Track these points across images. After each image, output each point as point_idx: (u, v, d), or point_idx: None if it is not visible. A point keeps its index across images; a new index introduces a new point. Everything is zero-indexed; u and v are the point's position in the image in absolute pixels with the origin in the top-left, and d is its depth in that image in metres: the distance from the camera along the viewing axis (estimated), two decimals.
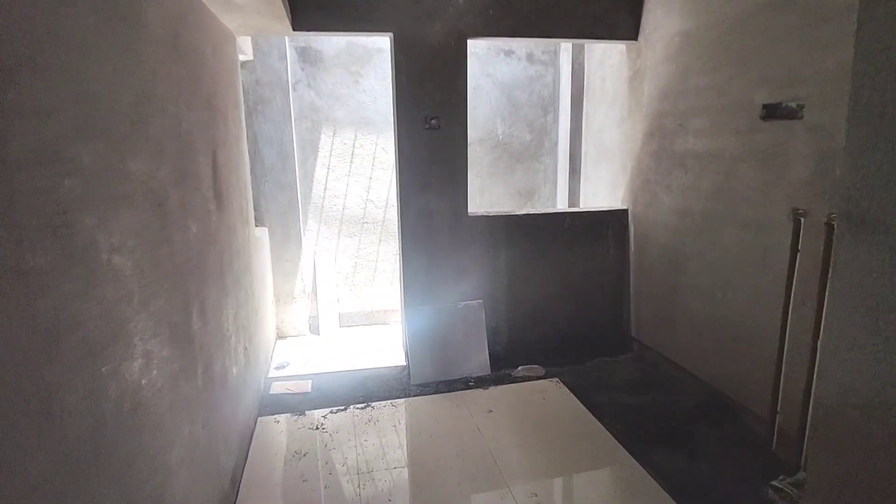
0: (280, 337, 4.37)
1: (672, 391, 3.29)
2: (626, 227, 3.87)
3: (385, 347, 4.19)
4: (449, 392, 3.40)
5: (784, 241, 2.52)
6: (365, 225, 4.52)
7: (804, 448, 2.48)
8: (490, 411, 3.13)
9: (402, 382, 3.56)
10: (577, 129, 4.50)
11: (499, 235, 3.70)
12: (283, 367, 3.80)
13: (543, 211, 3.78)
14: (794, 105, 2.46)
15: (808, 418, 2.45)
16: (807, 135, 2.38)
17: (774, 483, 2.30)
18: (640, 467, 2.54)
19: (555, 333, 3.92)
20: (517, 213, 3.73)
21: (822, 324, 2.32)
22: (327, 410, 3.18)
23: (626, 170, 3.84)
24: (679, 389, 3.30)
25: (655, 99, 3.45)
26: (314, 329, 4.53)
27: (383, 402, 3.27)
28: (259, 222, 4.14)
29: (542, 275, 3.81)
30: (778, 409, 2.64)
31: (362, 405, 3.23)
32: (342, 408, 3.20)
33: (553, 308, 3.88)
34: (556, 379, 3.53)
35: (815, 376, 2.40)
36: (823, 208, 2.32)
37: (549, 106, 4.74)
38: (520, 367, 3.68)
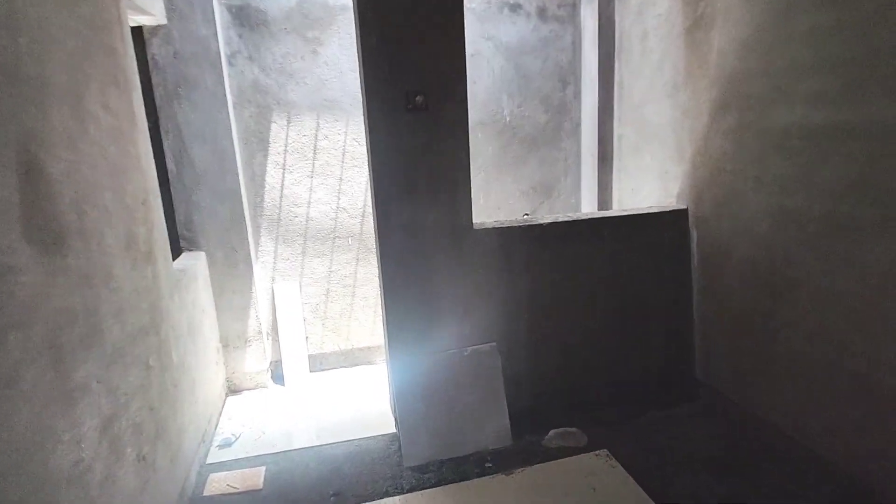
0: (232, 392, 3.35)
1: (780, 473, 2.30)
2: (687, 234, 2.86)
3: (369, 399, 3.18)
4: (458, 481, 2.40)
5: None
6: (337, 241, 3.49)
7: None
8: None
9: (391, 465, 2.56)
10: (608, 105, 3.46)
11: (515, 254, 2.68)
12: (229, 444, 2.79)
13: (574, 217, 2.76)
14: None
15: None
16: None
17: None
18: None
19: (594, 380, 2.92)
20: (539, 221, 2.71)
21: None
22: None
23: (685, 156, 2.82)
24: (789, 469, 2.31)
25: (732, 55, 2.42)
26: (278, 377, 3.51)
27: None
28: (192, 245, 3.10)
29: (573, 305, 2.81)
30: None
31: None
32: None
33: (590, 347, 2.87)
34: (605, 452, 2.54)
35: None
36: None
37: (568, 76, 3.69)
38: (551, 433, 2.68)
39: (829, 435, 2.15)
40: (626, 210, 2.89)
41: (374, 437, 2.81)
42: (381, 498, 2.32)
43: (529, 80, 3.65)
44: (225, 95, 3.00)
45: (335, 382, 3.48)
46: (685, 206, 2.85)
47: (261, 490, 2.43)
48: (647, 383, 2.98)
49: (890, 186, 1.80)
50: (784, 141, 2.20)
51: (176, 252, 3.07)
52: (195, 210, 3.06)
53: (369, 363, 3.71)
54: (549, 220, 2.71)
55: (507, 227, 2.65)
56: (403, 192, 2.46)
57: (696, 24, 2.66)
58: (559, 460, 2.50)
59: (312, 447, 2.75)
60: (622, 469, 2.40)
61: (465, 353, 2.69)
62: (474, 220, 2.64)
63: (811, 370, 2.20)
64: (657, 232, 2.84)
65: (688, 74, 2.73)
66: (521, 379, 2.81)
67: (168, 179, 2.99)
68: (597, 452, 2.54)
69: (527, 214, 3.83)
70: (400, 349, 2.62)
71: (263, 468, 2.57)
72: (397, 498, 2.31)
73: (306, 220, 3.40)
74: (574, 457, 2.52)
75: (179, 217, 3.05)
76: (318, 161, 3.35)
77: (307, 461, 2.63)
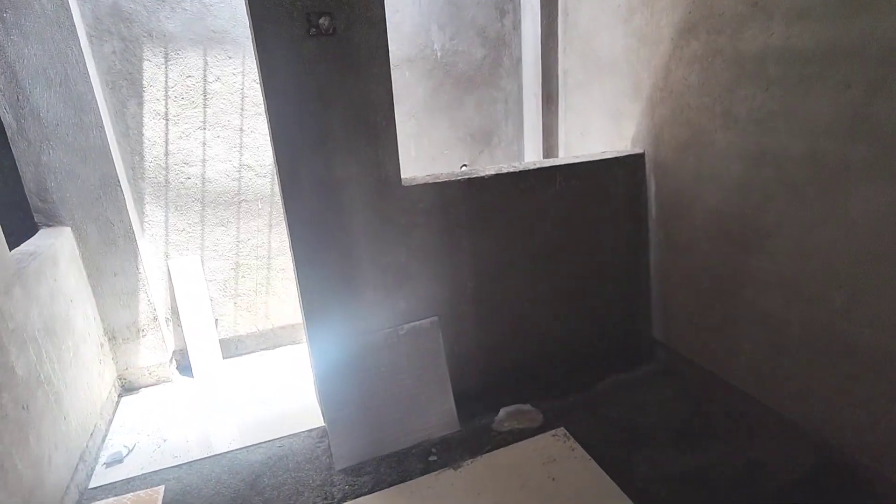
0: (128, 391, 2.82)
1: (745, 441, 2.12)
2: (643, 182, 2.55)
3: (295, 386, 2.76)
4: (398, 483, 2.06)
5: None
6: (244, 205, 2.94)
7: None
8: None
9: (319, 469, 2.18)
10: (551, 36, 3.03)
11: (454, 213, 2.27)
12: (120, 459, 2.30)
13: (520, 168, 2.36)
14: None
15: None
16: None
17: None
18: None
19: (547, 349, 2.62)
20: (481, 174, 2.30)
21: None
22: None
23: (641, 92, 2.46)
24: (755, 438, 2.13)
25: None
26: (185, 368, 3.00)
27: None
28: (51, 219, 2.47)
29: (524, 267, 2.46)
30: None
31: None
32: None
33: (543, 313, 2.56)
34: (563, 431, 2.27)
35: None
36: None
37: (506, 3, 3.21)
38: (502, 413, 2.38)
39: (803, 400, 1.96)
40: (576, 157, 2.52)
41: (300, 433, 2.41)
42: None
43: (462, 9, 3.13)
44: (73, 23, 2.31)
45: (254, 369, 3.02)
46: (642, 151, 2.52)
47: None
48: (603, 347, 2.73)
49: (887, 119, 1.51)
50: (760, 68, 1.87)
51: (31, 230, 2.43)
52: (49, 174, 2.41)
53: (294, 343, 3.26)
54: (492, 173, 2.30)
55: (444, 182, 2.21)
56: (313, 143, 1.96)
57: None
58: (512, 446, 2.21)
59: (226, 454, 2.31)
60: (582, 450, 2.14)
61: (402, 332, 2.30)
62: (405, 175, 2.19)
63: (783, 329, 1.98)
64: (611, 181, 2.50)
65: None
66: (467, 355, 2.46)
67: (5, 136, 2.31)
68: (554, 433, 2.26)
69: (465, 165, 3.41)
70: (321, 331, 2.19)
71: (162, 488, 2.12)
72: None
73: (202, 182, 2.81)
74: (529, 440, 2.23)
75: (28, 184, 2.40)
76: (209, 109, 2.74)
77: (218, 473, 2.20)
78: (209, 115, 2.74)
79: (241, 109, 2.79)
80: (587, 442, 2.17)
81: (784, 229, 1.90)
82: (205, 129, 2.75)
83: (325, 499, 2.01)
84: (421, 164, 3.26)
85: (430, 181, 2.20)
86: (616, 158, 2.49)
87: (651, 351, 2.74)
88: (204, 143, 2.77)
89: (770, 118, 1.87)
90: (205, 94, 2.71)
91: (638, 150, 2.53)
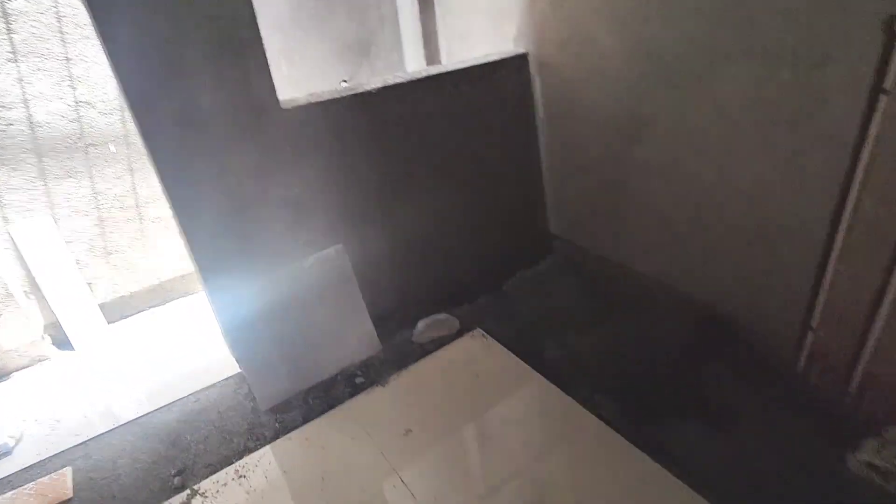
0: None
1: (640, 315, 2.38)
2: (529, 81, 2.56)
3: (199, 338, 2.60)
4: (328, 410, 2.08)
5: (857, 77, 1.47)
6: (92, 150, 2.52)
7: (856, 375, 1.76)
8: (408, 432, 1.92)
9: (244, 414, 2.12)
10: None
11: (346, 133, 2.13)
12: (8, 452, 2.06)
13: (409, 78, 2.25)
14: None
15: (869, 339, 1.69)
16: None
17: (866, 457, 1.53)
18: (650, 460, 1.62)
19: (455, 257, 2.68)
20: (367, 88, 2.16)
21: None
22: None
23: None
24: (648, 311, 2.40)
25: None
26: (64, 342, 2.67)
27: (219, 477, 1.84)
28: None
29: (423, 180, 2.42)
30: (812, 325, 1.85)
31: (182, 495, 1.78)
32: None
33: (447, 223, 2.58)
34: (479, 331, 2.39)
35: (893, 281, 1.56)
36: None
37: None
38: (420, 325, 2.45)
39: (687, 271, 2.22)
40: (462, 62, 2.45)
41: (215, 384, 2.30)
42: (241, 458, 1.91)
43: None
44: None
45: (146, 329, 2.77)
46: (525, 51, 2.50)
47: (71, 500, 1.83)
48: (507, 247, 2.85)
49: (750, 2, 1.62)
50: None
51: None
52: None
53: (188, 293, 3.02)
54: (380, 85, 2.17)
55: (328, 101, 2.05)
56: (167, 69, 1.68)
57: None
58: (434, 353, 2.30)
59: (136, 420, 2.16)
60: (499, 345, 2.28)
61: (307, 264, 2.21)
62: (282, 97, 1.99)
63: (665, 210, 2.18)
64: (499, 84, 2.48)
65: None
66: (379, 277, 2.45)
67: None
68: (471, 334, 2.38)
69: (345, 81, 3.18)
70: (219, 278, 2.03)
71: (69, 469, 1.94)
72: (260, 452, 1.92)
73: (31, 128, 2.35)
74: (449, 345, 2.33)
75: None
76: (17, 35, 2.23)
77: (132, 441, 2.05)
78: (18, 43, 2.23)
79: (61, 33, 2.30)
80: (502, 337, 2.32)
81: (664, 117, 2.03)
82: (16, 61, 2.25)
83: (257, 440, 1.98)
84: (297, 84, 2.99)
85: (314, 101, 2.02)
86: (501, 60, 2.46)
87: (551, 246, 2.91)
88: (20, 80, 2.28)
89: (650, 8, 1.92)
90: (4, 15, 2.18)
91: (521, 51, 2.51)
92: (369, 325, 2.37)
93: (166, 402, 2.22)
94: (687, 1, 1.78)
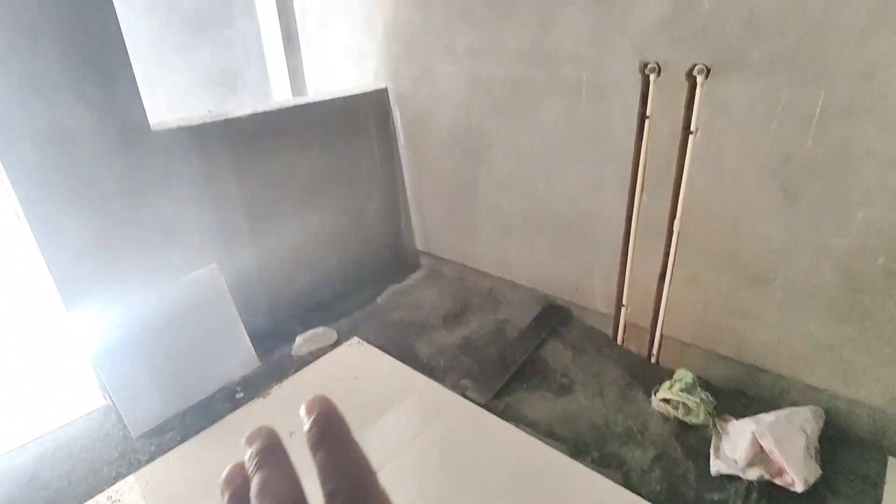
0: None
1: (494, 310, 2.74)
2: (389, 111, 2.87)
3: (56, 371, 2.42)
4: (208, 426, 2.09)
5: (629, 106, 1.98)
6: None
7: (656, 338, 2.25)
8: (291, 434, 2.00)
9: (114, 442, 2.05)
10: None
11: (217, 156, 2.24)
12: None
13: (277, 106, 2.42)
14: None
15: (662, 308, 2.19)
16: None
17: (661, 395, 1.98)
18: (506, 423, 1.92)
19: (330, 272, 2.85)
20: (238, 114, 2.30)
21: (681, 197, 1.93)
22: None
23: (377, 31, 2.72)
24: (501, 306, 2.76)
25: None
26: None
27: None
28: None
29: (295, 201, 2.58)
30: (623, 303, 2.33)
31: None
32: None
33: (319, 242, 2.75)
34: (355, 339, 2.56)
35: (671, 260, 2.08)
36: (684, 58, 1.79)
37: None
38: (298, 340, 2.55)
39: (528, 268, 2.63)
40: (329, 94, 2.68)
41: (77, 419, 2.17)
42: (113, 484, 1.85)
43: None
44: None
45: None
46: (384, 85, 2.82)
47: None
48: (377, 263, 3.08)
49: (559, 47, 2.08)
50: (469, 8, 2.30)
51: None
52: None
53: (48, 321, 2.77)
54: (250, 112, 2.32)
55: (201, 125, 2.16)
56: (25, 86, 1.69)
57: None
58: (316, 362, 2.42)
59: None
60: (375, 349, 2.47)
61: (181, 284, 2.23)
62: (153, 122, 2.05)
63: (509, 217, 2.59)
64: (362, 113, 2.76)
65: None
66: (254, 294, 2.52)
67: None
68: (348, 342, 2.54)
69: (210, 111, 3.23)
70: (85, 304, 1.98)
71: None
72: (136, 475, 1.88)
73: None
74: (328, 354, 2.47)
75: None
76: None
77: None
78: None
79: None
80: (378, 343, 2.52)
81: (500, 138, 2.44)
82: None
83: (131, 465, 1.93)
84: (159, 112, 2.97)
85: (186, 124, 2.12)
86: (364, 93, 2.74)
87: (417, 260, 3.20)
88: None
89: (480, 52, 2.34)
90: None
91: (381, 85, 2.82)
92: (247, 343, 2.42)
93: (16, 447, 2.05)
94: (510, 47, 2.23)
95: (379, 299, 2.92)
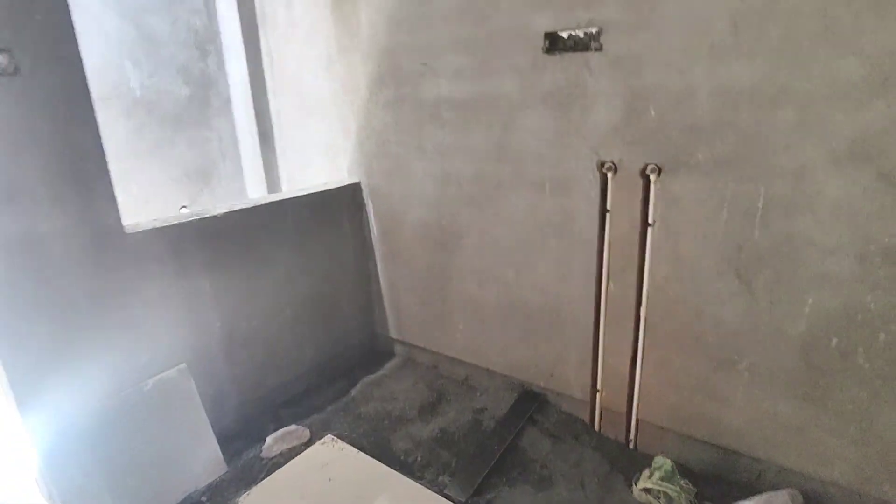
0: None
1: (469, 399, 2.71)
2: (363, 205, 2.97)
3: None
4: None
5: (591, 200, 2.11)
6: None
7: (632, 423, 2.26)
8: None
9: None
10: (259, 77, 3.22)
11: (190, 255, 2.25)
12: None
13: (252, 204, 2.49)
14: (582, 34, 1.98)
15: (636, 392, 2.22)
16: (610, 70, 1.94)
17: (642, 484, 1.96)
18: None
19: (303, 365, 2.79)
20: (213, 213, 2.34)
21: (645, 284, 2.03)
22: None
23: (350, 129, 2.88)
24: (476, 395, 2.74)
25: (381, 29, 2.55)
26: None
27: None
28: None
29: (268, 297, 2.58)
30: (598, 388, 2.35)
31: None
32: None
33: (292, 336, 2.72)
34: (329, 436, 2.48)
35: (640, 345, 2.14)
36: (638, 158, 1.96)
37: (207, 43, 3.24)
38: (269, 439, 2.45)
39: (503, 355, 2.64)
40: (303, 189, 2.77)
41: None
42: None
43: (159, 46, 3.04)
44: None
45: None
46: (357, 180, 2.94)
47: None
48: (350, 355, 3.04)
49: (523, 147, 2.24)
50: (437, 112, 2.47)
51: None
52: None
53: None
54: (224, 210, 2.36)
55: (176, 225, 2.18)
56: (2, 195, 1.70)
57: None
58: (287, 465, 2.31)
59: None
60: (350, 447, 2.39)
61: (147, 387, 2.15)
62: (126, 221, 2.07)
63: (482, 307, 2.63)
64: (336, 208, 2.85)
65: (340, 48, 2.75)
66: (223, 394, 2.44)
67: None
68: (322, 441, 2.45)
69: (185, 207, 3.28)
70: (40, 411, 1.88)
71: None
72: None
73: None
74: (301, 455, 2.37)
75: None
76: None
77: None
78: None
79: None
80: (352, 439, 2.44)
81: (471, 231, 2.54)
82: None
83: None
84: (133, 208, 3.00)
85: (160, 225, 2.14)
86: (337, 188, 2.84)
87: (391, 349, 3.18)
88: None
89: (449, 150, 2.49)
90: None
91: (354, 180, 2.94)
92: (214, 446, 2.31)
93: None
94: (477, 146, 2.38)
95: (353, 391, 2.86)
